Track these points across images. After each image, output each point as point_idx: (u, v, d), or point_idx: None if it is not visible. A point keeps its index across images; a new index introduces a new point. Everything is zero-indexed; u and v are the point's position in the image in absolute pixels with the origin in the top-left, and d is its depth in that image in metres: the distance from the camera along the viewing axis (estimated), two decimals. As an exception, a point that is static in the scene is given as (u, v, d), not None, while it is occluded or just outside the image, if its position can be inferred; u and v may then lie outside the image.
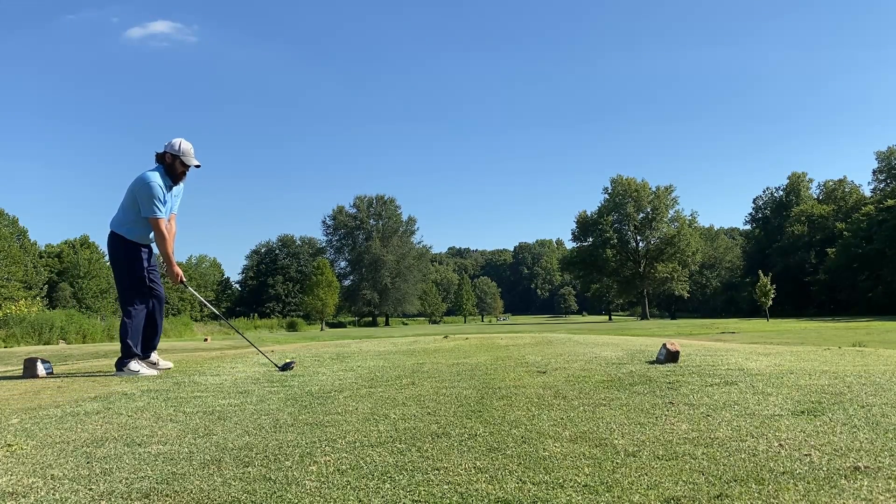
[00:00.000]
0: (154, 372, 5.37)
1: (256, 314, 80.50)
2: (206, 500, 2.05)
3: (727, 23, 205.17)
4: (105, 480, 2.28)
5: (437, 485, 2.14)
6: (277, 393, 4.11)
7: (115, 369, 5.51)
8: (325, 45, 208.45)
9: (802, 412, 3.04)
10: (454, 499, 2.01)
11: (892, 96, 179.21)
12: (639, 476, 2.16)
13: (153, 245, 5.72)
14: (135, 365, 5.36)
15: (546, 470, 2.26)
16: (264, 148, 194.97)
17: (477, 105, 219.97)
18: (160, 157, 5.51)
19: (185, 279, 5.76)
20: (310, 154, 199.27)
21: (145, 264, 5.60)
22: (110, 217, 5.58)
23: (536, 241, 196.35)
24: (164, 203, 5.45)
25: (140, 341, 5.52)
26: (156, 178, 5.38)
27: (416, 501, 2.00)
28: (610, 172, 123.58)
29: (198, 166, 5.60)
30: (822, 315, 61.57)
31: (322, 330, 67.32)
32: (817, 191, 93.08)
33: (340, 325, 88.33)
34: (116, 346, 6.05)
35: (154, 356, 5.82)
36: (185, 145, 5.50)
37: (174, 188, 5.59)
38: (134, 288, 5.50)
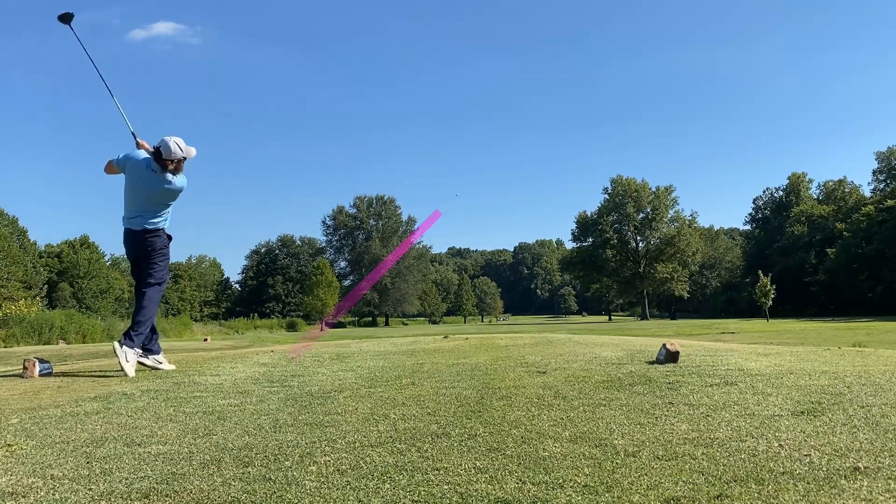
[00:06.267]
0: (134, 362, 5.34)
1: (256, 314, 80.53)
2: (206, 500, 2.05)
3: (727, 24, 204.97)
4: (105, 480, 2.28)
5: (437, 485, 2.13)
6: (277, 393, 4.11)
7: (119, 344, 5.43)
8: (327, 46, 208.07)
9: (802, 412, 3.04)
10: (454, 499, 2.01)
11: (892, 96, 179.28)
12: (639, 476, 2.16)
13: (147, 227, 5.68)
14: (129, 349, 5.37)
15: (546, 470, 2.26)
16: (265, 148, 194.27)
17: (477, 106, 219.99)
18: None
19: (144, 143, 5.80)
20: (310, 154, 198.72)
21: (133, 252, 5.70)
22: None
23: (536, 242, 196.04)
24: (125, 163, 5.60)
25: (149, 330, 5.62)
26: (142, 154, 5.56)
27: (416, 501, 2.00)
28: (610, 172, 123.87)
29: (171, 161, 5.49)
30: (822, 315, 61.55)
31: (322, 330, 67.34)
32: (817, 191, 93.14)
33: (340, 325, 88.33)
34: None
35: (156, 359, 5.78)
36: (166, 145, 5.46)
37: (163, 173, 5.51)
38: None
